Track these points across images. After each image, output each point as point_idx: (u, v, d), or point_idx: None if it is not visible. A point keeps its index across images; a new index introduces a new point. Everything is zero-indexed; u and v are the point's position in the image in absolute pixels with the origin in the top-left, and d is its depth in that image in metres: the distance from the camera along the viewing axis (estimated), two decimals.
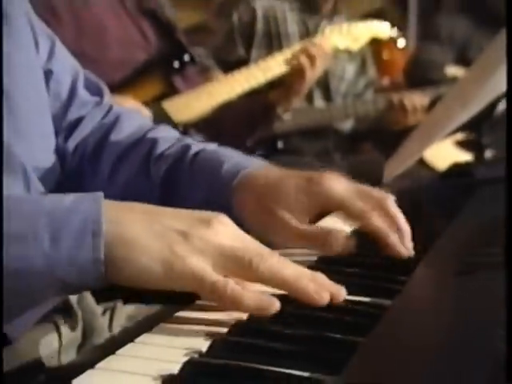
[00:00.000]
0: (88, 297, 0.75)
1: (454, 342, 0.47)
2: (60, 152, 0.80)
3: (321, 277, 0.56)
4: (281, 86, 1.91)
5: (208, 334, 0.52)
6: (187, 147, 0.82)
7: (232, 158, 0.79)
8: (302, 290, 0.54)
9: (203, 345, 0.50)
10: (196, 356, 0.48)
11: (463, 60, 2.35)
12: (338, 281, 0.57)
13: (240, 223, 0.60)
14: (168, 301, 0.74)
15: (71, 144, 0.82)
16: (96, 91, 0.87)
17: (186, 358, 0.47)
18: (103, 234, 0.51)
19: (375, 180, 0.80)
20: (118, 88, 1.54)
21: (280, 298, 0.53)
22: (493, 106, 1.27)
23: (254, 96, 1.87)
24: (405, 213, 0.72)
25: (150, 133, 0.84)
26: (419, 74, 2.44)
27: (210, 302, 0.57)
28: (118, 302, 0.80)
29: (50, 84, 0.79)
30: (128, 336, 0.53)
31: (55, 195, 0.55)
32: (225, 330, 0.52)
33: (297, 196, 0.72)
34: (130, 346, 0.51)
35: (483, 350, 0.45)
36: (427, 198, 1.05)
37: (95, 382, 0.45)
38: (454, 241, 0.77)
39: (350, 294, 0.57)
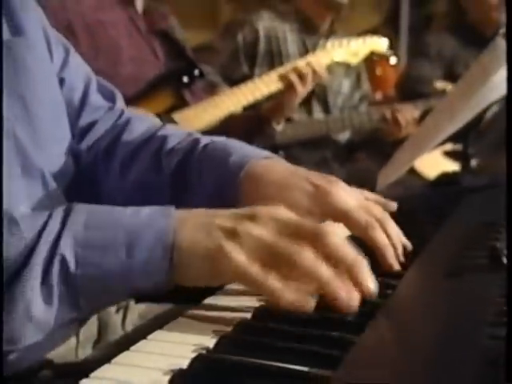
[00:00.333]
0: None
1: (443, 338, 0.47)
2: (74, 153, 0.79)
3: (357, 273, 0.54)
4: (274, 100, 1.92)
5: (215, 332, 0.52)
6: (197, 141, 0.79)
7: (240, 149, 0.76)
8: (332, 294, 0.52)
9: (210, 342, 0.50)
10: (204, 352, 0.48)
11: (451, 75, 2.35)
12: None
13: None
14: (177, 300, 0.74)
15: (84, 145, 0.81)
16: (109, 97, 0.86)
17: (194, 354, 0.47)
18: (170, 246, 0.53)
19: (369, 187, 0.80)
20: (131, 101, 1.54)
21: None
22: (478, 118, 1.27)
23: (249, 109, 1.88)
24: (396, 219, 0.72)
25: (160, 131, 0.82)
26: (410, 88, 2.43)
27: (216, 302, 0.57)
28: (130, 301, 0.80)
29: (63, 91, 0.78)
30: (141, 333, 0.53)
31: (133, 208, 0.57)
32: (230, 328, 0.52)
33: (302, 201, 0.70)
34: (142, 342, 0.51)
35: (471, 346, 0.45)
36: (417, 204, 1.04)
37: (111, 376, 0.45)
38: (442, 245, 0.77)
39: None
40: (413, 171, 2.11)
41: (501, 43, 1.11)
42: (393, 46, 2.46)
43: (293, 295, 0.52)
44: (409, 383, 0.42)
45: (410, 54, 3.69)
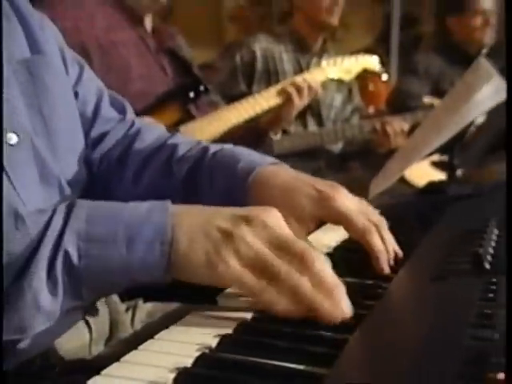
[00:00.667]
0: (113, 296, 0.75)
1: (428, 338, 0.47)
2: (87, 161, 0.79)
3: (337, 293, 0.53)
4: (271, 113, 1.93)
5: (217, 332, 0.52)
6: (206, 148, 0.79)
7: (248, 155, 0.76)
8: (317, 310, 0.52)
9: (213, 341, 0.50)
10: (207, 351, 0.48)
11: (437, 91, 2.35)
12: None
13: None
14: (183, 300, 0.74)
15: (97, 155, 0.81)
16: (120, 109, 0.85)
17: (198, 353, 0.47)
18: (169, 242, 0.53)
19: (362, 196, 0.80)
20: (140, 115, 1.54)
21: None
22: (463, 132, 1.27)
23: (248, 122, 1.88)
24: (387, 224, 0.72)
25: (170, 139, 0.82)
26: (400, 103, 2.44)
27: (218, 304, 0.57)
28: (138, 300, 0.80)
29: (77, 104, 0.78)
30: (148, 332, 0.53)
31: (133, 204, 0.57)
32: (232, 329, 0.52)
33: (307, 206, 0.70)
34: (149, 341, 0.51)
35: (454, 346, 0.45)
36: (406, 211, 1.04)
37: (120, 373, 0.45)
38: (429, 250, 0.76)
39: None
40: (403, 180, 2.11)
41: (483, 63, 1.12)
42: (384, 64, 2.46)
43: (284, 307, 0.52)
44: (393, 381, 0.41)
45: (400, 72, 3.70)
